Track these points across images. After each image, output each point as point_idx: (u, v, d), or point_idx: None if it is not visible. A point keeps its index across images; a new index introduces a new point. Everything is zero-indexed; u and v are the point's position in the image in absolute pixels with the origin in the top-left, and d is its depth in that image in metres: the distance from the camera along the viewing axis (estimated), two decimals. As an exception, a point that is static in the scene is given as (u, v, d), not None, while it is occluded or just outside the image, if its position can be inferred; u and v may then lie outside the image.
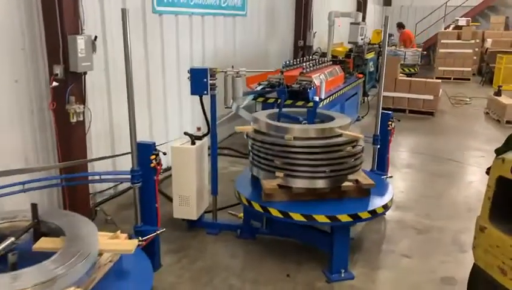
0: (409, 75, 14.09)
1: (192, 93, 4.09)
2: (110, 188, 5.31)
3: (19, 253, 2.36)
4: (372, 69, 12.65)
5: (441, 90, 10.43)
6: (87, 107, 4.49)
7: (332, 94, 7.21)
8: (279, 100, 6.76)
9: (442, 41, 16.63)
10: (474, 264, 3.03)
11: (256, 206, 3.85)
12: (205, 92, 4.07)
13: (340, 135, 3.77)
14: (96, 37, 4.27)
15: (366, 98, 11.13)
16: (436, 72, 16.45)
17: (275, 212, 3.72)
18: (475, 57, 16.90)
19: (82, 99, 4.34)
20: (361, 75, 9.38)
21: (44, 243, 2.50)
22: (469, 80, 16.15)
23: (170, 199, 4.70)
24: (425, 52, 17.14)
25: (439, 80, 10.57)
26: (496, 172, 2.78)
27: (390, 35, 16.64)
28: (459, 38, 16.55)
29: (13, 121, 4.11)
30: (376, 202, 3.85)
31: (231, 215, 4.78)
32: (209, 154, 4.44)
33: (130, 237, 3.48)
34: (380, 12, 22.51)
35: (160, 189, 5.50)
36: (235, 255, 4.11)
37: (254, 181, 4.21)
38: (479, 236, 2.99)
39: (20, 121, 4.18)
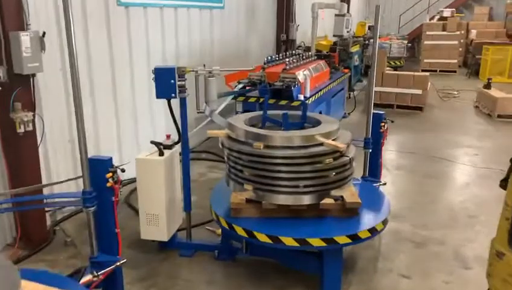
0: (395, 68, 13.73)
1: (158, 96, 3.54)
2: (72, 203, 4.74)
3: None
4: (357, 63, 12.21)
5: (429, 83, 10.04)
6: (38, 114, 3.91)
7: (318, 91, 6.72)
8: (261, 99, 6.29)
9: (427, 32, 16.32)
10: (490, 295, 2.57)
11: (223, 223, 3.40)
12: (173, 94, 3.52)
13: (321, 144, 3.20)
14: (44, 33, 3.68)
15: (352, 93, 10.70)
16: (422, 65, 16.14)
17: (239, 230, 3.25)
18: (460, 49, 16.63)
19: (31, 106, 3.75)
20: (347, 70, 8.92)
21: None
22: (455, 72, 15.88)
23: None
24: (409, 44, 16.82)
25: (427, 73, 10.18)
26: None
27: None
28: (444, 29, 16.26)
29: None
30: (363, 223, 3.29)
31: (209, 231, 4.27)
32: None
33: (85, 271, 2.98)
34: (363, 4, 22.13)
35: (129, 202, 4.97)
36: (213, 281, 3.60)
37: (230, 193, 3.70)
38: (496, 263, 2.53)
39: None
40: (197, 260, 3.87)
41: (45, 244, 4.06)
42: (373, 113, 4.42)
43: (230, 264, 3.79)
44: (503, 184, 2.53)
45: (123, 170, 3.03)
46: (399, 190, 5.49)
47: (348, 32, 9.95)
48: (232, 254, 3.82)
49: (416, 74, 10.12)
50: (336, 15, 9.78)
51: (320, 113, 7.15)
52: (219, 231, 4.03)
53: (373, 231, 3.26)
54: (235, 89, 5.99)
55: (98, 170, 2.93)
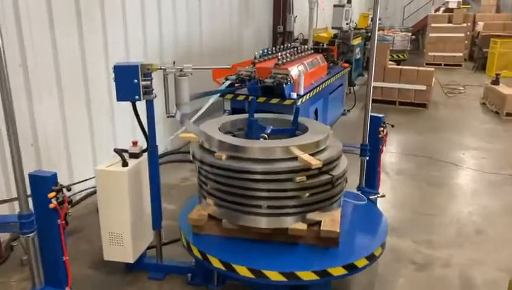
0: (398, 61, 13.18)
1: (119, 98, 3.04)
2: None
3: None
4: (358, 56, 11.66)
5: (434, 79, 9.50)
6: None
7: (313, 88, 6.21)
8: (251, 97, 5.78)
9: (432, 25, 15.71)
10: None
11: (183, 239, 3.00)
12: (137, 96, 3.03)
13: (296, 159, 2.67)
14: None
15: (352, 88, 10.16)
16: (426, 58, 15.56)
17: (195, 250, 2.84)
18: (466, 42, 16.02)
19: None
20: (347, 65, 8.38)
21: None
22: (460, 65, 15.29)
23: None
24: (413, 37, 16.22)
25: (432, 68, 9.63)
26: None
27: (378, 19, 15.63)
28: (450, 21, 15.64)
29: None
30: (341, 256, 2.72)
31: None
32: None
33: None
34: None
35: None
36: (183, 311, 3.14)
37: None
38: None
39: None
40: (167, 284, 3.40)
41: (-2, 263, 3.61)
42: (371, 116, 3.93)
43: (205, 290, 3.33)
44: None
45: (69, 189, 2.55)
46: (399, 198, 5.00)
47: (347, 24, 9.40)
48: (206, 278, 3.35)
49: (420, 68, 9.58)
50: (334, 5, 9.24)
51: (316, 112, 6.67)
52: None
53: (352, 267, 2.70)
54: (222, 86, 5.48)
55: (39, 188, 2.46)
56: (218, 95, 5.44)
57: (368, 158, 3.97)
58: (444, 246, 3.98)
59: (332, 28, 9.77)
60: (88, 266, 3.59)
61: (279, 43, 9.23)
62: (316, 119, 6.69)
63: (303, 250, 2.78)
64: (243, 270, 2.63)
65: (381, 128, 3.99)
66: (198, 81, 6.89)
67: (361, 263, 2.74)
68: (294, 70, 5.84)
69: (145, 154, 3.33)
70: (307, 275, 2.58)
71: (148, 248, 3.62)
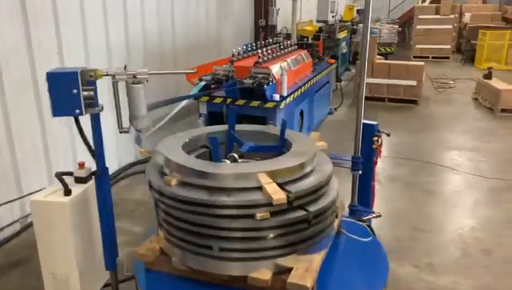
0: (385, 55, 12.74)
1: (56, 114, 2.43)
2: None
3: None
4: (345, 50, 11.15)
5: (424, 73, 9.04)
6: None
7: (298, 88, 5.66)
8: (229, 99, 5.22)
9: (419, 16, 15.28)
10: None
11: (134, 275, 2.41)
12: (77, 110, 2.43)
13: (260, 189, 2.02)
14: None
15: (339, 84, 9.64)
16: (414, 51, 15.15)
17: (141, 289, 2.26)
18: (454, 33, 15.65)
19: None
20: (333, 60, 7.86)
21: None
22: (448, 58, 14.92)
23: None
24: (400, 29, 15.78)
25: (422, 63, 9.16)
26: None
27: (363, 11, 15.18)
28: (437, 13, 15.23)
29: None
30: None
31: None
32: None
33: None
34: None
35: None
36: None
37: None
38: None
39: None
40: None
41: None
42: (363, 123, 3.39)
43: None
44: None
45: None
46: (395, 211, 4.50)
47: (333, 17, 8.86)
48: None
49: (410, 63, 9.13)
50: (319, -3, 8.68)
51: (302, 113, 6.12)
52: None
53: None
54: (195, 88, 4.89)
55: None
56: (191, 99, 4.86)
57: (360, 172, 3.45)
58: (448, 270, 3.49)
59: (317, 21, 9.22)
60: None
61: (261, 38, 8.65)
62: (302, 122, 6.17)
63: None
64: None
65: (375, 138, 3.47)
66: (173, 81, 6.33)
67: None
68: (277, 69, 5.29)
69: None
70: None
71: (105, 286, 3.04)
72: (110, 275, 2.88)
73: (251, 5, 9.18)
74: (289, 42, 6.79)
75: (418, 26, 15.31)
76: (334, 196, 2.26)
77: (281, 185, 2.04)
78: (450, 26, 15.03)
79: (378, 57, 9.88)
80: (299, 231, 2.09)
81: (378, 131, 3.49)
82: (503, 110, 8.00)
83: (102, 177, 2.66)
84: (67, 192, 2.62)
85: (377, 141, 3.46)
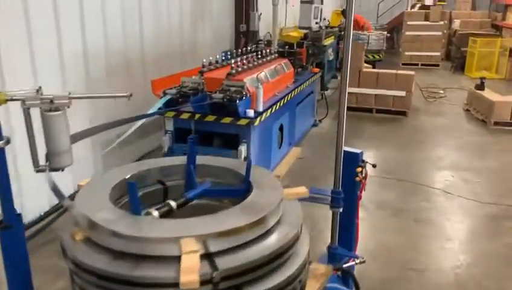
0: (373, 62, 12.25)
1: None
2: None
3: None
4: (331, 57, 10.63)
5: (414, 83, 8.58)
6: None
7: (277, 102, 5.12)
8: (197, 115, 4.66)
9: (408, 22, 14.89)
10: None
11: None
12: (-31, 146, 1.85)
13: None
14: None
15: (324, 93, 9.11)
16: (403, 58, 14.74)
17: None
18: (443, 40, 15.30)
19: None
20: (317, 70, 7.33)
21: None
22: (438, 66, 14.53)
23: None
24: (389, 35, 15.38)
25: (412, 72, 8.71)
26: None
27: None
28: (426, 19, 14.86)
29: None
30: None
31: None
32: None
33: None
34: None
35: None
36: None
37: None
38: None
39: None
40: None
41: None
42: (345, 152, 2.85)
43: None
44: None
45: None
46: (383, 247, 3.95)
47: (317, 23, 8.35)
48: None
49: (399, 72, 8.65)
50: (301, 2, 8.15)
51: (282, 128, 5.58)
52: None
53: None
54: (157, 104, 4.32)
55: None
56: (162, 107, 4.30)
57: (341, 210, 2.90)
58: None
59: (299, 27, 8.71)
60: None
61: (242, 45, 8.10)
62: (282, 137, 5.62)
63: None
64: None
65: (359, 169, 2.93)
66: (141, 91, 5.72)
67: None
68: (252, 81, 4.74)
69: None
70: None
71: None
72: None
73: (231, 8, 8.63)
74: (269, 50, 6.25)
75: (408, 33, 14.91)
76: (299, 266, 1.67)
77: (212, 256, 1.46)
78: (439, 33, 14.67)
79: (365, 65, 9.41)
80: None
81: (363, 161, 2.95)
82: (496, 123, 7.56)
83: (11, 230, 2.07)
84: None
85: (361, 172, 2.93)
